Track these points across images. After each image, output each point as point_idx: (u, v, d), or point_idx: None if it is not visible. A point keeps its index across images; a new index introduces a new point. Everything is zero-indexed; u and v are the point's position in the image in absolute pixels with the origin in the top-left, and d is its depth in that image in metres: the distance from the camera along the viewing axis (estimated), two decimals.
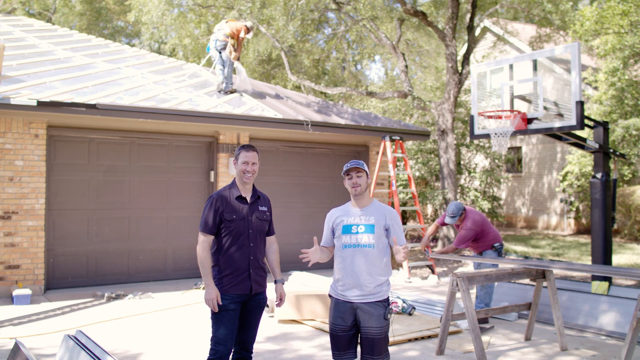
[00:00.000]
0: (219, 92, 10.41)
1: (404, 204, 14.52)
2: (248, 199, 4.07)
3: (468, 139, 15.96)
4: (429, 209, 16.92)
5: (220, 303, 3.88)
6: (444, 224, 7.39)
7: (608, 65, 12.06)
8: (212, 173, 9.87)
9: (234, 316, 3.92)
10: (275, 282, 4.19)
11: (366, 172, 3.95)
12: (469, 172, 16.03)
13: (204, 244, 3.94)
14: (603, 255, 7.85)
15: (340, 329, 3.86)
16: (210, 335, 4.00)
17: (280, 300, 4.20)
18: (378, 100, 18.86)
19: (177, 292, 8.59)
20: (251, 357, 4.11)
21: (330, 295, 4.01)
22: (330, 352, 5.54)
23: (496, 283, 7.83)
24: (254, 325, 4.08)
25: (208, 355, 3.93)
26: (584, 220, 16.40)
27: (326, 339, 6.06)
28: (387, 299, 3.88)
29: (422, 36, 19.29)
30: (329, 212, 4.10)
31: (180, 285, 9.07)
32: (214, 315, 3.92)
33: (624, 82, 11.92)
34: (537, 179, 18.26)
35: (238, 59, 10.66)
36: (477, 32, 18.47)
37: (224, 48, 10.44)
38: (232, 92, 10.44)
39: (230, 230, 3.95)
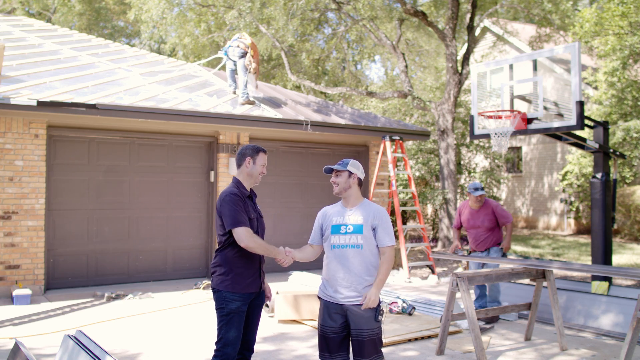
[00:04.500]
0: (241, 104, 10.07)
1: (404, 204, 14.52)
2: (252, 199, 4.09)
3: (468, 139, 15.96)
4: (429, 209, 16.92)
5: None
6: (460, 226, 7.52)
7: (608, 65, 12.06)
8: (212, 173, 9.88)
9: (244, 317, 3.89)
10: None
11: (348, 171, 3.93)
12: (469, 172, 16.03)
13: (250, 235, 3.80)
14: (603, 255, 7.86)
15: (330, 331, 3.83)
16: (210, 335, 3.99)
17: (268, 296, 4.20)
18: (378, 100, 18.86)
19: (177, 292, 8.59)
20: (251, 357, 4.11)
21: (319, 297, 3.98)
22: None
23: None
24: (256, 324, 4.07)
25: (213, 357, 3.86)
26: (584, 220, 16.40)
27: None
28: (379, 300, 3.83)
29: (422, 36, 19.29)
30: (320, 210, 4.12)
31: (180, 285, 9.07)
32: (226, 317, 3.83)
33: (623, 82, 11.92)
34: (537, 179, 18.26)
35: (257, 71, 10.41)
36: (477, 32, 18.47)
37: (243, 56, 10.10)
38: (249, 103, 10.08)
39: None
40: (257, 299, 4.03)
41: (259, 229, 4.01)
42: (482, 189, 7.24)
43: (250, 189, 4.12)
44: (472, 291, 8.10)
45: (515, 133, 7.80)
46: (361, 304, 3.77)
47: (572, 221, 17.11)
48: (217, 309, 3.90)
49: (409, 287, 9.45)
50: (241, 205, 3.87)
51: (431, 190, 13.94)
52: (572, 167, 14.38)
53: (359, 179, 3.98)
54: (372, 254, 3.86)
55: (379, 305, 3.82)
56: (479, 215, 7.26)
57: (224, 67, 10.94)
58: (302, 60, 18.36)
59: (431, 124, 17.02)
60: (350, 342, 3.86)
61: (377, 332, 3.80)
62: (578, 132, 9.47)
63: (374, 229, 3.85)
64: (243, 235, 3.78)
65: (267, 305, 6.98)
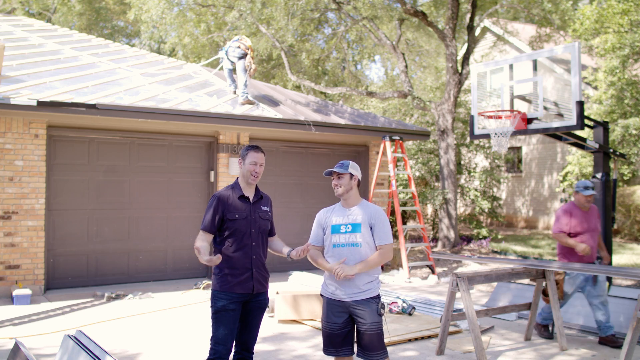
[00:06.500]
0: (241, 104, 10.06)
1: (404, 204, 14.52)
2: (251, 199, 4.08)
3: (468, 139, 15.95)
4: (429, 209, 16.92)
5: (216, 260, 3.72)
6: (570, 231, 6.17)
7: (607, 65, 12.04)
8: (212, 173, 9.87)
9: (234, 316, 3.92)
10: (288, 253, 4.06)
11: (350, 173, 4.02)
12: (469, 172, 16.02)
13: (200, 236, 3.93)
14: None
15: (334, 327, 3.95)
16: (209, 335, 4.01)
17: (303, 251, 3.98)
18: (378, 100, 18.86)
19: (177, 292, 8.59)
20: (252, 358, 4.12)
21: (321, 295, 4.10)
22: None
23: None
24: (255, 325, 4.09)
25: (208, 355, 3.94)
26: None
27: None
28: (378, 295, 3.98)
29: (422, 36, 19.30)
30: (319, 212, 4.21)
31: (180, 285, 9.07)
32: (214, 315, 3.93)
33: (623, 82, 11.90)
34: (537, 179, 18.26)
35: (254, 72, 10.49)
36: (477, 32, 18.47)
37: (243, 57, 10.16)
38: (249, 103, 10.09)
39: (233, 229, 3.95)
40: (255, 301, 4.04)
41: (252, 229, 4.02)
42: (593, 188, 6.22)
43: (256, 188, 4.15)
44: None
45: (515, 133, 7.80)
46: (363, 300, 3.88)
47: None
48: (210, 307, 3.99)
49: (408, 287, 9.45)
50: (217, 207, 3.95)
51: (431, 190, 13.93)
52: (572, 168, 14.37)
53: (358, 180, 4.11)
54: (372, 251, 3.97)
55: (379, 299, 3.95)
56: (591, 216, 6.26)
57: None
58: (302, 60, 18.34)
59: (431, 124, 17.02)
60: (357, 338, 3.96)
61: (381, 326, 3.90)
62: (578, 132, 9.46)
63: (371, 228, 3.96)
64: (198, 236, 3.95)
65: (267, 306, 6.98)
